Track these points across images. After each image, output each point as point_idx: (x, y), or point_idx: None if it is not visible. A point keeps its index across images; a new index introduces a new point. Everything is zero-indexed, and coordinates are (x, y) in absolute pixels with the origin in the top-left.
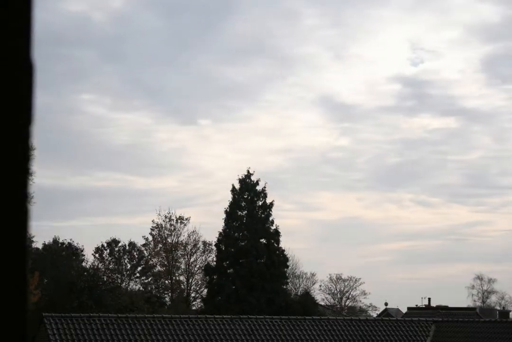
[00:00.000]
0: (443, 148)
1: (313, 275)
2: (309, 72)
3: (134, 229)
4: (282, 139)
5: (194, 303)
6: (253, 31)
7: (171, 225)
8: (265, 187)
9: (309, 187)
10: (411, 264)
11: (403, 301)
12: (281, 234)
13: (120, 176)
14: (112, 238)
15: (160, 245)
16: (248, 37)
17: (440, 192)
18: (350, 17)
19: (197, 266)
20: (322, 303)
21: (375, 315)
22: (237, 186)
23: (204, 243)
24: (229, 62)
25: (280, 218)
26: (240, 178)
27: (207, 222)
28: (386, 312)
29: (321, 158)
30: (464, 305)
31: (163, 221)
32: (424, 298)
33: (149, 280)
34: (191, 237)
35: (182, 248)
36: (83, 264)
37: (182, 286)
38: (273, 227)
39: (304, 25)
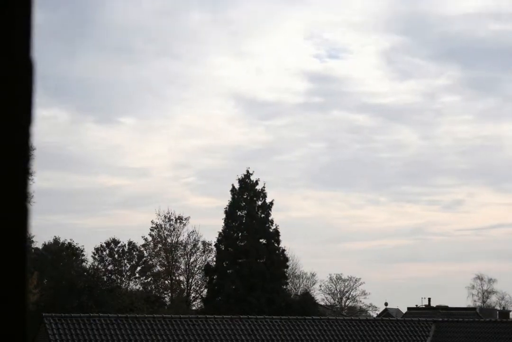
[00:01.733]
0: (372, 146)
1: (313, 275)
2: (215, 70)
3: (85, 230)
4: (206, 138)
5: (194, 303)
6: (140, 28)
7: (170, 225)
8: (264, 187)
9: None
10: (386, 263)
11: (393, 300)
12: (281, 234)
13: (61, 175)
14: (111, 238)
15: (160, 245)
16: (138, 34)
17: (385, 190)
18: (238, 13)
19: (197, 266)
20: (322, 303)
21: (375, 315)
22: (237, 186)
23: (204, 243)
24: (126, 60)
25: None
26: (240, 177)
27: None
28: (386, 312)
29: (251, 156)
30: (464, 305)
31: (163, 221)
32: (424, 298)
33: (148, 280)
34: (191, 237)
35: (182, 248)
36: (83, 264)
37: (182, 286)
38: (273, 227)
39: (194, 23)
